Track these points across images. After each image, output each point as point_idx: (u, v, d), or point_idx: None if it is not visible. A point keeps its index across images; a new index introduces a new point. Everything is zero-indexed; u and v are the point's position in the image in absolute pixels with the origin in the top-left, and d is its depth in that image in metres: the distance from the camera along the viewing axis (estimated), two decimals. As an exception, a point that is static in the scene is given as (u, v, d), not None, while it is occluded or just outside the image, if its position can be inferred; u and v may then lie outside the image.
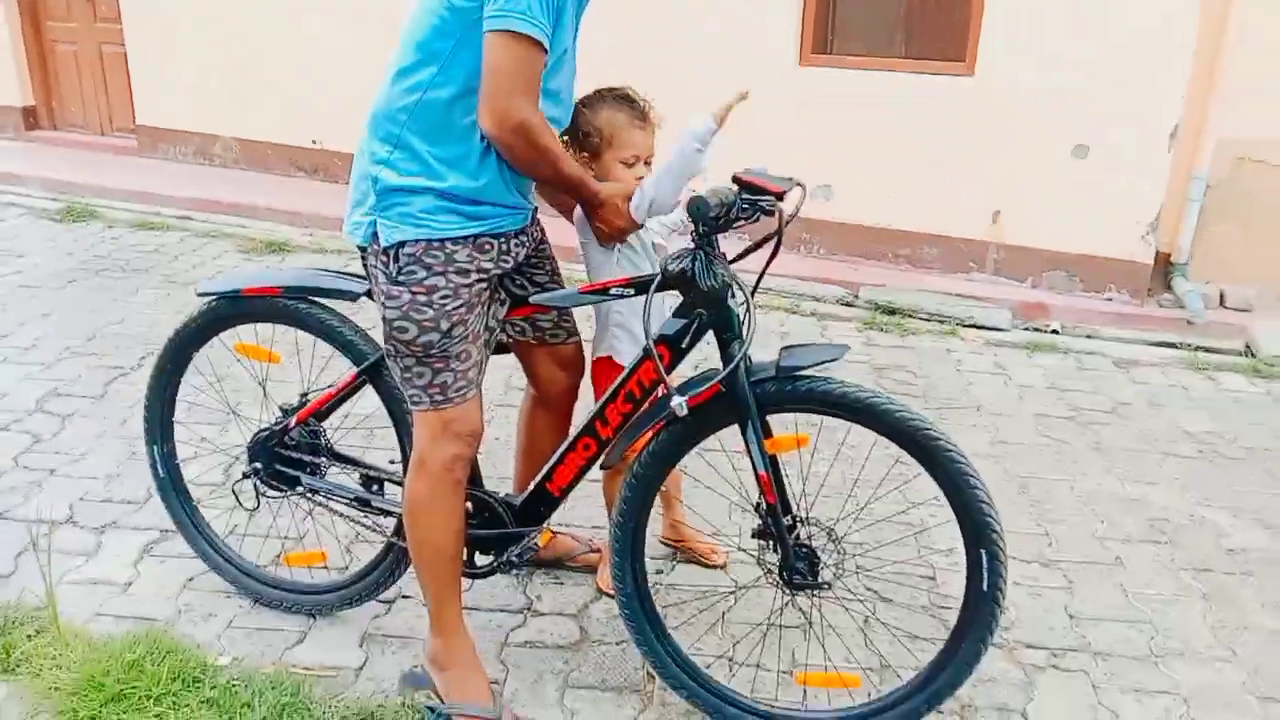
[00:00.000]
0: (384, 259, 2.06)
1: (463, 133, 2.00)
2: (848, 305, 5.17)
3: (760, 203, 1.96)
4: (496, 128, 1.90)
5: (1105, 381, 4.28)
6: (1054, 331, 4.91)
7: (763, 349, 4.30)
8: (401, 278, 2.04)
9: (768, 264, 2.06)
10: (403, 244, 2.03)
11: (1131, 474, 3.45)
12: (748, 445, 2.04)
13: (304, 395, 2.49)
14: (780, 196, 1.96)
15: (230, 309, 2.42)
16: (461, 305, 2.06)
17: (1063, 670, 2.49)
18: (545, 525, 2.34)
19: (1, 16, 7.88)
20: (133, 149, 7.72)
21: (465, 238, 2.05)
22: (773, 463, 2.08)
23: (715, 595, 2.69)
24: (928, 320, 4.92)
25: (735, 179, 1.97)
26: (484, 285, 2.11)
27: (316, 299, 2.36)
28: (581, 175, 2.12)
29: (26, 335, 4.36)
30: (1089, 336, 4.86)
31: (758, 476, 2.06)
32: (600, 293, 2.15)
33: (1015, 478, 3.38)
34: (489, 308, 2.19)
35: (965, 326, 4.86)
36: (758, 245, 2.07)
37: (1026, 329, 4.93)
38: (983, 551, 1.96)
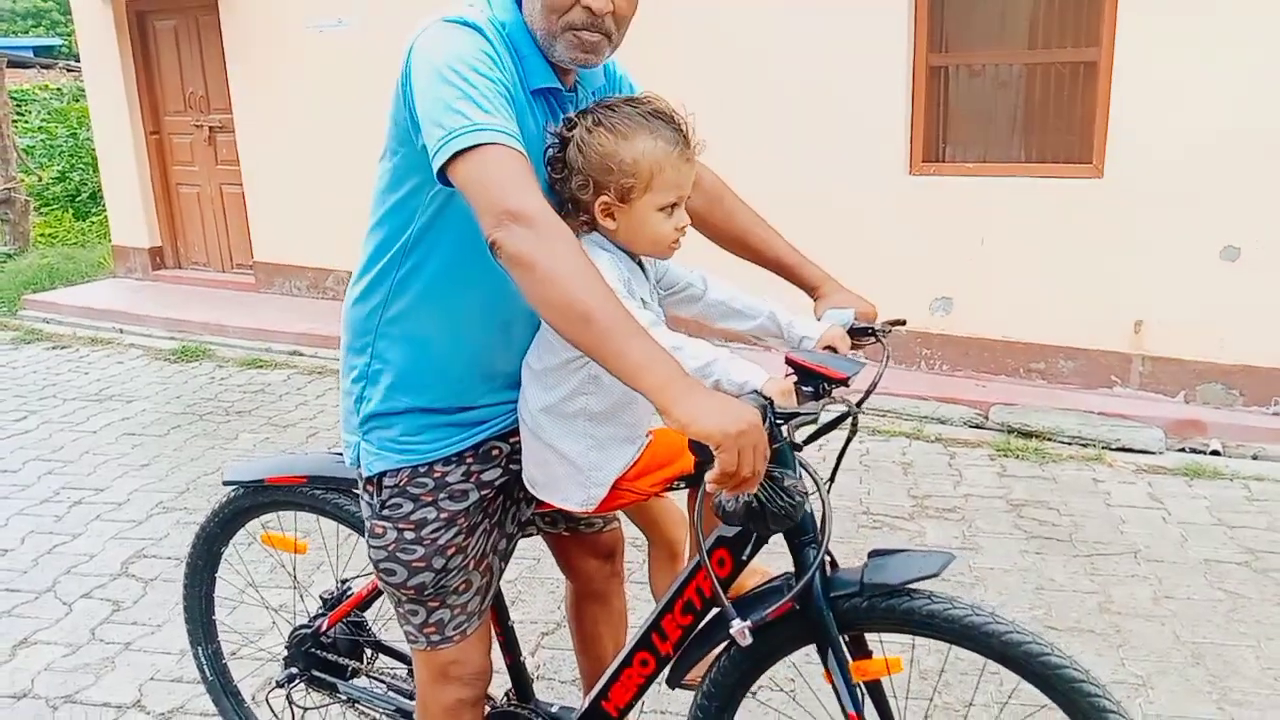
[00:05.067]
0: (369, 489, 1.79)
1: (446, 329, 1.70)
2: (976, 427, 4.74)
3: (820, 395, 1.63)
4: (496, 238, 1.38)
5: (1281, 514, 3.75)
6: (1214, 452, 4.38)
7: (884, 482, 4.02)
8: (385, 512, 1.76)
9: (842, 452, 1.76)
10: (384, 473, 1.76)
11: (1329, 636, 2.93)
12: (829, 674, 1.67)
13: (344, 583, 2.26)
14: (844, 383, 1.61)
15: (254, 499, 2.23)
16: (458, 534, 1.77)
17: None
18: None
19: (132, 161, 8.23)
20: (251, 285, 7.88)
21: (460, 454, 1.75)
22: (871, 689, 1.72)
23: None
24: (1069, 444, 4.45)
25: (790, 361, 1.63)
26: (490, 497, 1.82)
27: (344, 489, 2.14)
28: (647, 356, 1.35)
29: (122, 489, 4.30)
30: (1255, 457, 4.33)
31: (845, 715, 1.67)
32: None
33: (1187, 644, 2.89)
34: (504, 516, 1.89)
35: (1111, 450, 4.37)
36: (832, 426, 1.74)
37: (1181, 450, 4.42)
38: None
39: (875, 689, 1.75)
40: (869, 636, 1.77)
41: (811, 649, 1.71)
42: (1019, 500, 3.91)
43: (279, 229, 7.62)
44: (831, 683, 1.69)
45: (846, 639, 1.73)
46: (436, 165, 1.43)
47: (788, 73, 5.37)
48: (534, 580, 3.35)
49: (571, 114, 1.64)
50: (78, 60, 8.73)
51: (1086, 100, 4.82)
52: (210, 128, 7.96)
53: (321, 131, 7.11)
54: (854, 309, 1.89)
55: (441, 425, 1.75)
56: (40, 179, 11.22)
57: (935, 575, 1.65)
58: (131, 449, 4.78)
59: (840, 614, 1.69)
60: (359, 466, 1.80)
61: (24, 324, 7.38)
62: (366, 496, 1.80)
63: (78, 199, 11.03)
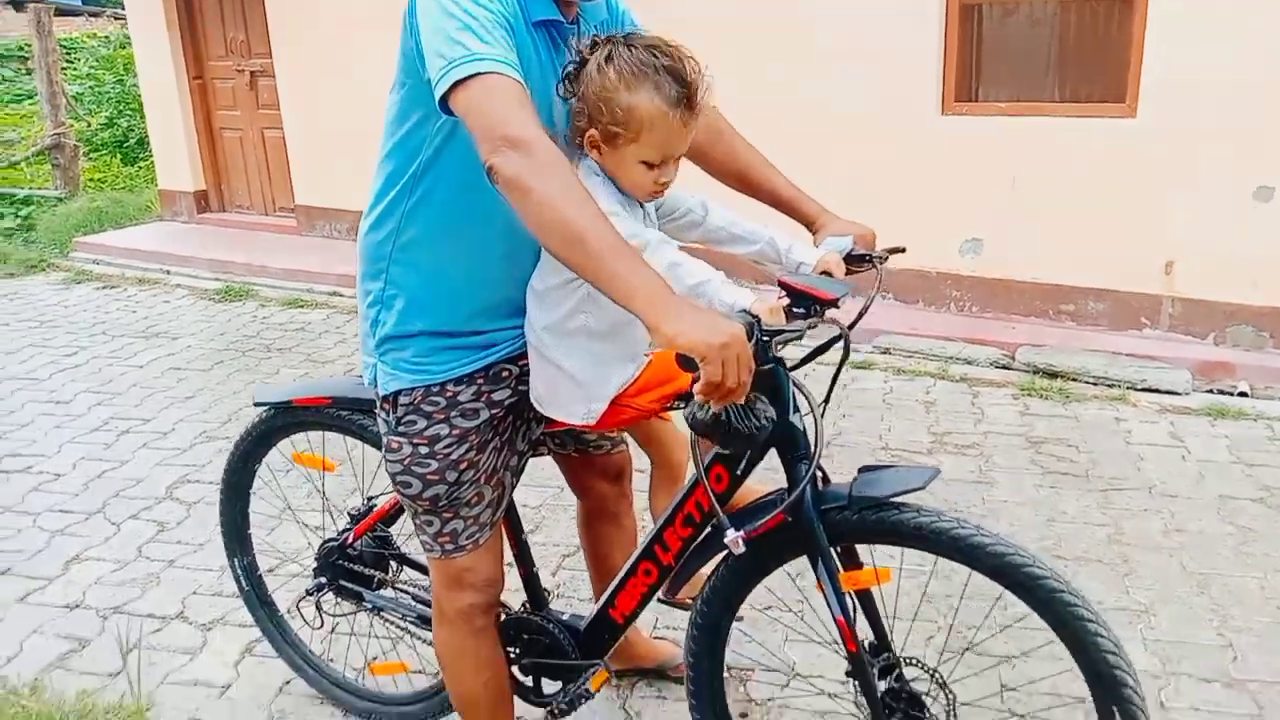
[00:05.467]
0: (385, 407, 1.88)
1: (455, 256, 1.78)
2: (1003, 368, 4.76)
3: (810, 315, 1.67)
4: (494, 164, 1.45)
5: (1303, 454, 3.75)
6: (1241, 394, 4.38)
7: (905, 420, 4.08)
8: (401, 428, 1.86)
9: (836, 374, 1.80)
10: (399, 392, 1.85)
11: (1337, 570, 2.96)
12: (820, 584, 1.75)
13: (370, 500, 2.37)
14: (835, 304, 1.66)
15: (283, 419, 2.35)
16: (470, 449, 1.86)
17: (1251, 822, 2.09)
18: (601, 665, 2.09)
19: (177, 107, 8.38)
20: (292, 228, 8.03)
21: (471, 375, 1.84)
22: (861, 597, 1.80)
23: None
24: (1094, 384, 4.47)
25: (782, 284, 1.69)
26: (501, 416, 1.91)
27: (366, 409, 2.24)
28: (636, 276, 1.41)
29: (167, 419, 4.47)
30: (1284, 399, 4.32)
31: (835, 621, 1.76)
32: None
33: (1193, 575, 2.94)
34: (515, 434, 1.97)
35: (1137, 390, 4.38)
36: (824, 349, 1.80)
37: (1209, 392, 4.42)
38: (1114, 709, 1.62)
39: (865, 598, 1.84)
40: (861, 549, 1.86)
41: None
42: (1039, 438, 3.95)
43: (319, 173, 7.73)
44: (822, 592, 1.78)
45: (838, 551, 1.82)
46: (438, 94, 1.50)
47: (819, 11, 5.34)
48: (557, 507, 3.47)
49: (599, 36, 1.68)
50: (124, 8, 8.85)
51: (1120, 39, 4.76)
52: (251, 72, 8.08)
53: (360, 76, 7.16)
54: (851, 235, 1.94)
55: (453, 348, 1.83)
56: (89, 125, 11.42)
57: (920, 488, 1.72)
58: (177, 383, 4.96)
59: (830, 526, 1.77)
60: (376, 386, 1.90)
61: (75, 265, 7.59)
62: (383, 414, 1.90)
63: (125, 144, 11.22)
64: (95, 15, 17.03)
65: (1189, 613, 2.77)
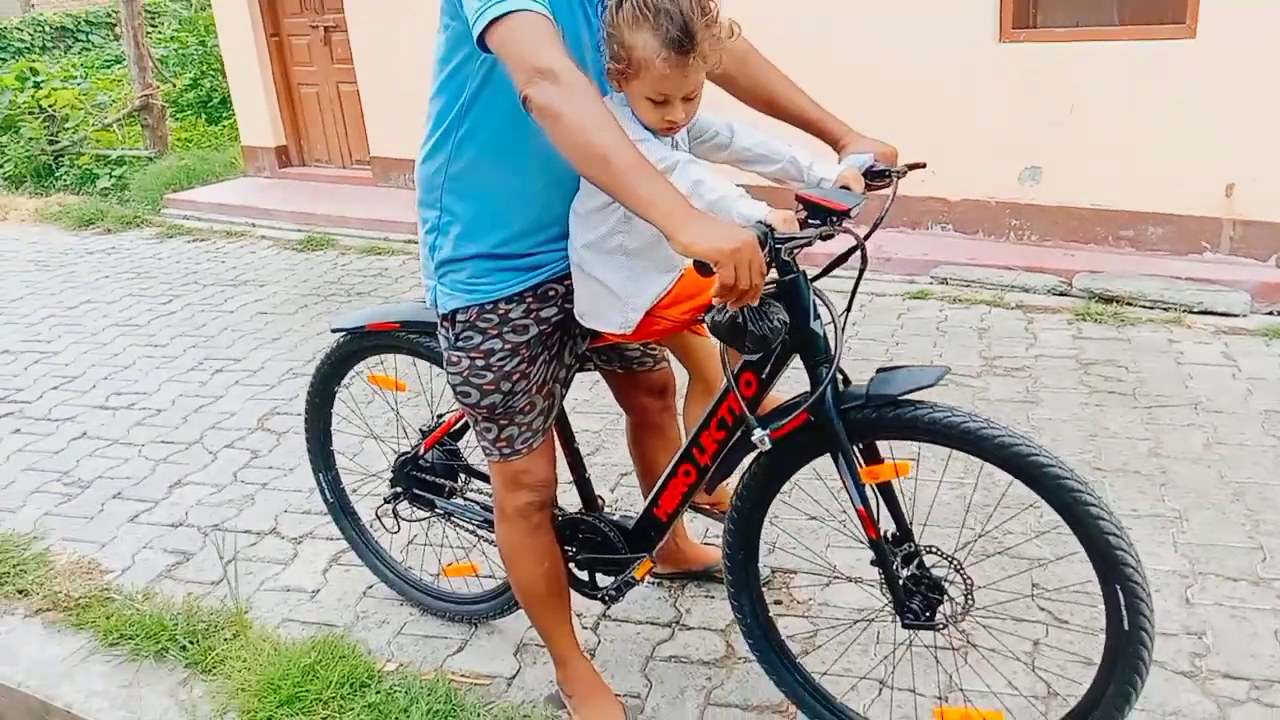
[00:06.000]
0: (445, 325, 2.07)
1: (502, 183, 1.94)
2: (1060, 295, 4.81)
3: (824, 226, 1.78)
4: (528, 94, 1.60)
5: (1358, 370, 3.76)
6: (1302, 315, 4.37)
7: (958, 345, 4.18)
8: (459, 343, 2.04)
9: (857, 283, 1.92)
10: (456, 310, 2.03)
11: (1375, 478, 3.02)
12: (842, 478, 1.92)
13: (437, 417, 2.59)
14: (847, 214, 1.78)
15: (358, 344, 2.57)
16: (521, 362, 2.04)
17: (1266, 705, 2.21)
18: (645, 557, 2.28)
19: (255, 65, 8.68)
20: (369, 180, 8.30)
21: (521, 294, 2.02)
22: (884, 490, 1.95)
23: (850, 619, 2.57)
24: (1150, 308, 4.50)
25: (798, 198, 1.81)
26: (549, 332, 2.08)
27: (431, 331, 2.44)
28: (655, 192, 1.56)
29: (257, 359, 4.78)
30: (1345, 319, 4.30)
31: (856, 511, 1.92)
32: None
33: (1230, 484, 3.03)
34: (563, 349, 2.15)
35: (1193, 313, 4.41)
36: (842, 259, 1.93)
37: (1269, 314, 4.42)
38: (1117, 587, 1.76)
39: (887, 492, 2.00)
40: (881, 446, 2.01)
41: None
42: (1089, 360, 4.02)
43: (393, 126, 7.96)
44: (844, 485, 1.94)
45: (860, 447, 1.97)
46: (475, 33, 1.66)
47: (875, -55, 5.35)
48: (616, 432, 3.67)
49: None
50: (202, -31, 9.18)
51: (1181, -42, 4.71)
52: (325, 28, 8.32)
53: (429, 28, 7.35)
54: (873, 152, 2.06)
55: (504, 269, 2.01)
56: (174, 87, 11.84)
57: (931, 385, 1.86)
58: (264, 325, 5.27)
59: (850, 424, 1.93)
60: (436, 306, 2.10)
61: (166, 220, 7.99)
62: (443, 331, 2.10)
63: (209, 104, 11.63)
64: (176, -21, 17.49)
65: (1221, 519, 2.86)
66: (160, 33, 13.63)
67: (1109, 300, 4.62)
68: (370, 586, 2.92)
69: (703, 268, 1.58)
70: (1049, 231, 5.30)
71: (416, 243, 6.63)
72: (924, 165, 2.13)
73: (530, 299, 2.04)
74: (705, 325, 1.80)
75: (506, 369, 2.05)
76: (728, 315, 1.72)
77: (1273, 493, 2.97)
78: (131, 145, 10.05)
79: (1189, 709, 2.21)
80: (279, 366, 4.66)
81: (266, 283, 6.09)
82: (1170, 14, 4.77)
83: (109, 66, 13.72)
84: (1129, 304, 4.56)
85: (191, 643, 2.69)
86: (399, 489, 2.65)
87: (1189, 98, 4.71)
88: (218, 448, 3.89)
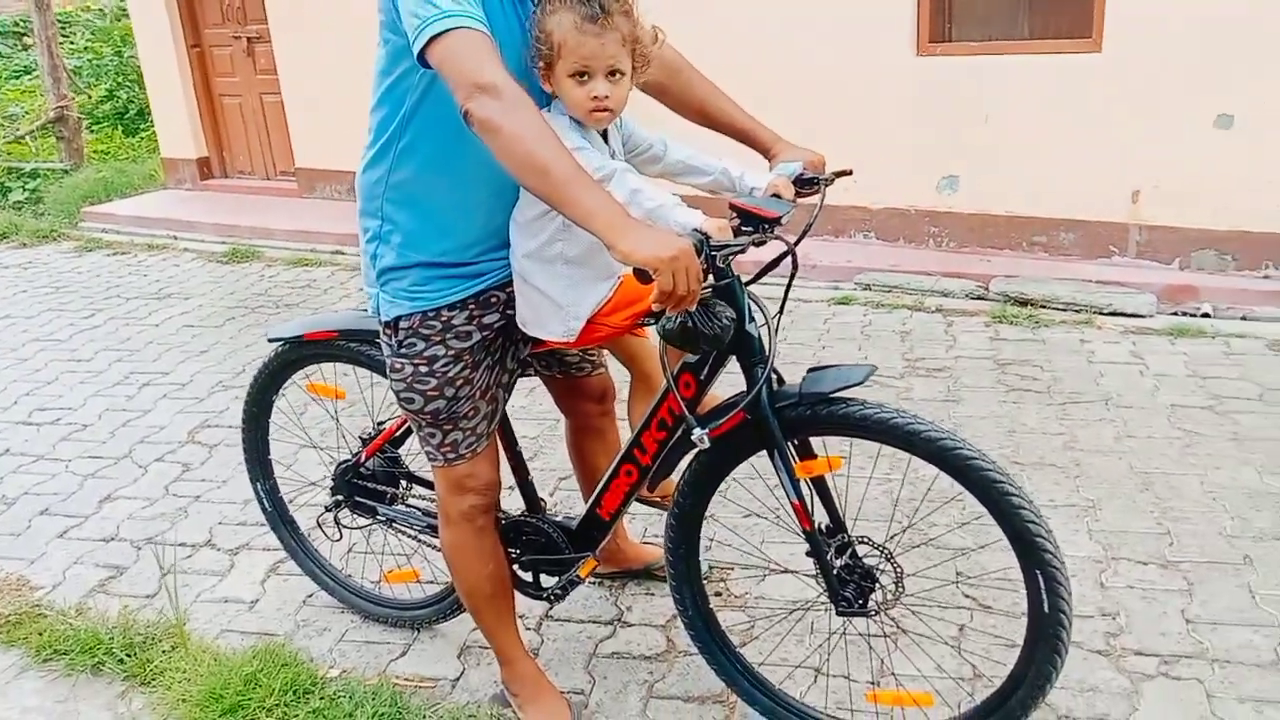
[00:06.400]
0: (388, 332, 2.10)
1: (444, 194, 1.98)
2: (977, 299, 4.99)
3: (757, 233, 1.86)
4: (469, 108, 1.65)
5: (1254, 366, 3.98)
6: (1204, 315, 4.60)
7: (881, 348, 4.31)
8: (403, 350, 2.08)
9: (788, 287, 2.01)
10: (399, 318, 2.06)
11: (1272, 465, 3.20)
12: (778, 473, 2.00)
13: (378, 424, 2.61)
14: (778, 221, 1.87)
15: (296, 353, 2.59)
16: (464, 368, 2.08)
17: (1173, 679, 2.35)
18: (590, 555, 2.34)
19: (176, 76, 8.55)
20: (294, 191, 8.23)
21: (464, 301, 2.05)
22: (817, 484, 2.04)
23: (784, 610, 2.66)
24: (1062, 310, 4.70)
25: (732, 206, 1.90)
26: (491, 338, 2.12)
27: (370, 339, 2.46)
28: (596, 202, 1.63)
29: (185, 372, 4.73)
30: (1243, 319, 4.54)
31: (791, 504, 2.00)
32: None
33: (1139, 474, 3.19)
34: (505, 354, 2.19)
35: (1103, 315, 4.61)
36: (774, 264, 2.02)
37: (1174, 314, 4.64)
38: (1037, 572, 1.86)
39: (821, 487, 2.08)
40: (815, 442, 2.09)
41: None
42: (1006, 360, 4.19)
43: (318, 137, 7.90)
44: (780, 480, 2.02)
45: (794, 444, 2.06)
46: (415, 50, 1.71)
47: (796, -40, 5.50)
48: (554, 438, 3.72)
49: None
50: (117, -22, 9.00)
51: (1086, -24, 4.93)
52: (248, 38, 8.23)
53: (354, 38, 7.33)
54: (802, 160, 2.15)
55: (446, 277, 2.05)
56: (90, 97, 11.58)
57: (860, 383, 1.96)
58: (191, 338, 5.21)
59: (785, 421, 2.01)
60: (379, 314, 2.13)
61: (84, 234, 7.81)
62: (386, 338, 2.13)
63: (126, 116, 11.38)
64: (88, -12, 17.06)
65: (1132, 507, 3.02)
66: (73, 43, 13.28)
67: (1024, 303, 4.81)
68: (310, 595, 2.93)
69: (642, 275, 1.64)
70: (966, 238, 5.49)
71: (344, 254, 6.64)
72: (850, 173, 2.23)
73: (473, 306, 2.08)
74: (658, 333, 1.87)
75: (450, 375, 2.09)
76: (677, 321, 1.79)
77: (1179, 482, 3.14)
78: (46, 158, 9.81)
79: (1104, 685, 2.34)
80: (208, 379, 4.62)
81: (192, 295, 6.01)
82: (1078, 29, 4.99)
83: (19, 77, 13.33)
84: (1042, 306, 4.76)
85: (129, 655, 2.67)
86: (340, 497, 2.67)
87: (1096, 109, 4.93)
88: (148, 461, 3.84)
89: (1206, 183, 4.77)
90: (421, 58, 1.71)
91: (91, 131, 10.79)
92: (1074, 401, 3.73)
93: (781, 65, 5.50)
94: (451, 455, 2.18)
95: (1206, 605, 2.58)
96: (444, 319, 2.06)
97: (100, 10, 14.81)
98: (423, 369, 2.08)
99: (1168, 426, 3.50)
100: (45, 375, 4.82)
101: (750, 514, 2.98)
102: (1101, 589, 2.67)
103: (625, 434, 2.53)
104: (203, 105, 8.71)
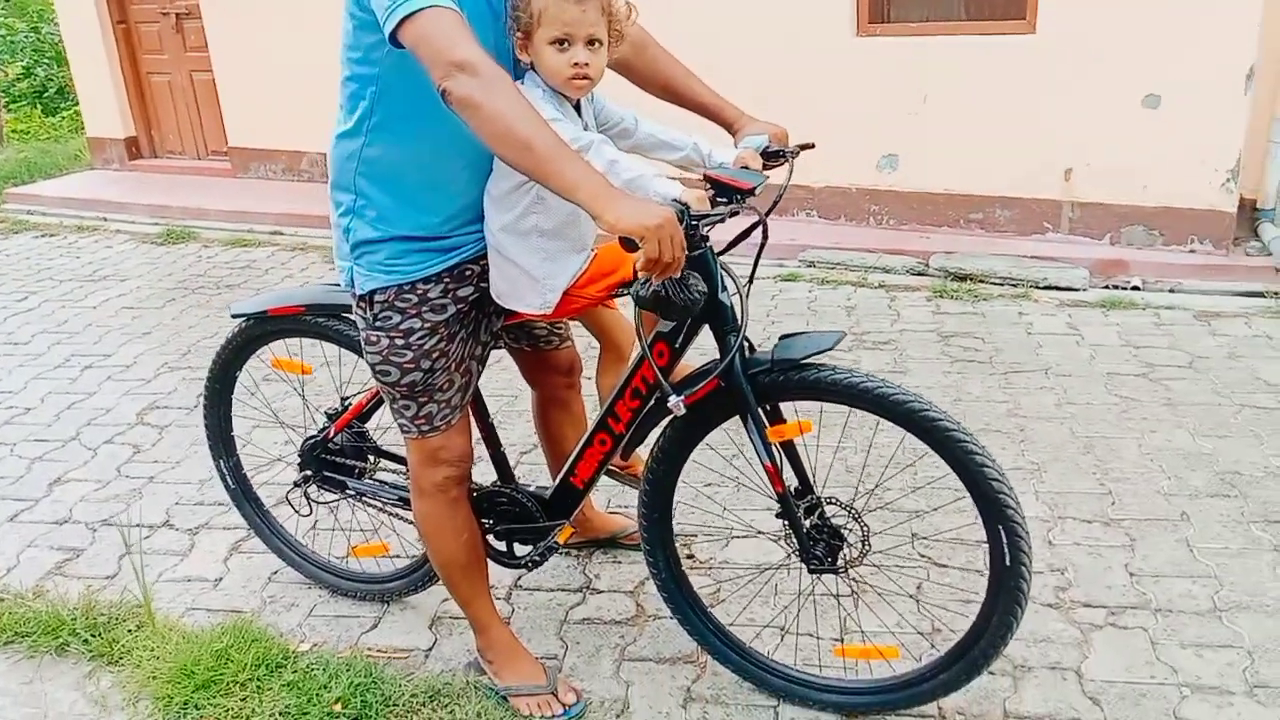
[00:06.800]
0: (362, 305, 2.11)
1: (418, 169, 1.99)
2: (919, 275, 5.12)
3: (732, 204, 1.92)
4: (446, 87, 1.66)
5: (1183, 335, 4.16)
6: (1134, 288, 4.78)
7: (828, 323, 4.41)
8: (378, 323, 2.09)
9: (758, 256, 2.07)
10: (374, 291, 2.07)
11: (1204, 428, 3.37)
12: (750, 437, 2.06)
13: (344, 400, 2.62)
14: (751, 192, 1.92)
15: (260, 328, 2.58)
16: (440, 340, 2.10)
17: (1120, 628, 2.47)
18: (565, 523, 2.39)
19: (101, 53, 8.32)
20: (227, 170, 8.08)
21: (439, 274, 2.07)
22: (787, 448, 2.11)
23: (750, 573, 2.74)
24: (1000, 284, 4.85)
25: (706, 177, 1.96)
26: (466, 311, 2.15)
27: (338, 314, 2.47)
28: (579, 174, 1.65)
29: (128, 354, 4.65)
30: (1171, 291, 4.73)
31: (763, 467, 2.07)
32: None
33: (1080, 439, 3.33)
34: (479, 327, 2.22)
35: (1039, 289, 4.77)
36: (745, 234, 2.08)
37: (1105, 287, 4.82)
38: (1000, 527, 1.96)
39: (790, 450, 2.15)
40: (786, 407, 2.16)
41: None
42: (948, 332, 4.32)
43: (252, 115, 7.77)
44: (753, 443, 2.09)
45: (767, 409, 2.12)
46: (387, 31, 1.71)
47: (738, -60, 5.56)
48: (513, 413, 3.75)
49: None
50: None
51: (1020, -41, 5.07)
52: (177, 14, 8.04)
53: (288, 13, 7.22)
54: (767, 134, 2.21)
55: (422, 250, 2.06)
56: (5, 75, 11.22)
57: (830, 349, 2.03)
58: (132, 320, 5.11)
59: (757, 387, 2.07)
60: (353, 287, 2.14)
61: (9, 215, 7.59)
62: (360, 312, 2.14)
63: (45, 94, 11.06)
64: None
65: (1075, 469, 3.15)
66: (-16, 18, 12.84)
67: (963, 278, 4.95)
68: (275, 571, 2.92)
69: (628, 244, 1.68)
70: (906, 216, 5.62)
71: (283, 234, 6.55)
72: (813, 146, 2.30)
73: (448, 279, 2.10)
74: (631, 298, 1.92)
75: (425, 347, 2.11)
76: (650, 289, 1.84)
77: (1118, 445, 3.29)
78: (-38, 137, 9.49)
79: (1056, 635, 2.46)
80: (153, 361, 4.55)
81: (128, 277, 5.89)
82: (1012, 10, 5.13)
83: (-74, 54, 12.85)
84: (981, 281, 4.90)
85: (94, 636, 2.65)
86: (308, 472, 2.67)
87: (1030, 89, 5.08)
88: (96, 444, 3.78)
89: (1135, 161, 4.95)
90: (394, 38, 1.71)
91: (9, 111, 10.46)
92: (1015, 371, 3.87)
93: (722, 44, 5.55)
94: (426, 427, 2.20)
95: (1148, 559, 2.72)
96: (419, 292, 2.07)
97: (14, -15, 14.30)
98: (399, 342, 2.10)
99: (1105, 393, 3.65)
100: (-20, 359, 4.71)
101: (710, 484, 3.04)
102: (1050, 546, 2.79)
103: (591, 407, 2.59)
104: (130, 83, 8.49)
